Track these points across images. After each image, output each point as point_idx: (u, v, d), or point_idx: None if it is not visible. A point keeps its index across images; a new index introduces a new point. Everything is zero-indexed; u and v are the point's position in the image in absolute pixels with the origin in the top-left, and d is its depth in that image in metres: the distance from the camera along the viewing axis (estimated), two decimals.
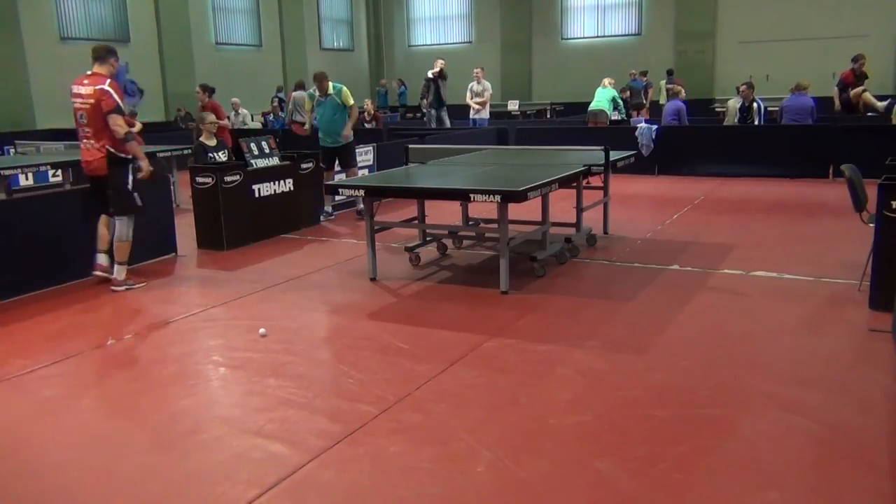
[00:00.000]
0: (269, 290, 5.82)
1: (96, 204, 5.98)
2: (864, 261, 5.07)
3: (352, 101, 8.58)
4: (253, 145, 7.82)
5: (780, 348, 4.26)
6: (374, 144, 10.24)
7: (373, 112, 15.40)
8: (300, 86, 15.98)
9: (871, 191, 4.95)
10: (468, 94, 13.78)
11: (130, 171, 5.82)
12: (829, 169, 10.25)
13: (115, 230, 5.87)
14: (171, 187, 8.12)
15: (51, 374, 4.22)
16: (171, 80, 18.75)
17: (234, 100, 16.64)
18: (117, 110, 5.58)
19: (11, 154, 11.75)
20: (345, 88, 8.55)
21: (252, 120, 17.35)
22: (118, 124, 5.58)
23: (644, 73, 17.93)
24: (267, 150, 7.93)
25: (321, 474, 3.04)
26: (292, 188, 8.06)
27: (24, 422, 3.66)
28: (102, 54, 5.76)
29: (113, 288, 5.85)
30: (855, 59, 12.34)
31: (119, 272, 5.88)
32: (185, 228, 7.44)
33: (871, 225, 4.92)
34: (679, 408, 3.52)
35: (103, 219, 5.99)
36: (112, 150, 5.70)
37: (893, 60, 18.77)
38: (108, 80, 5.64)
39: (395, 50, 26.95)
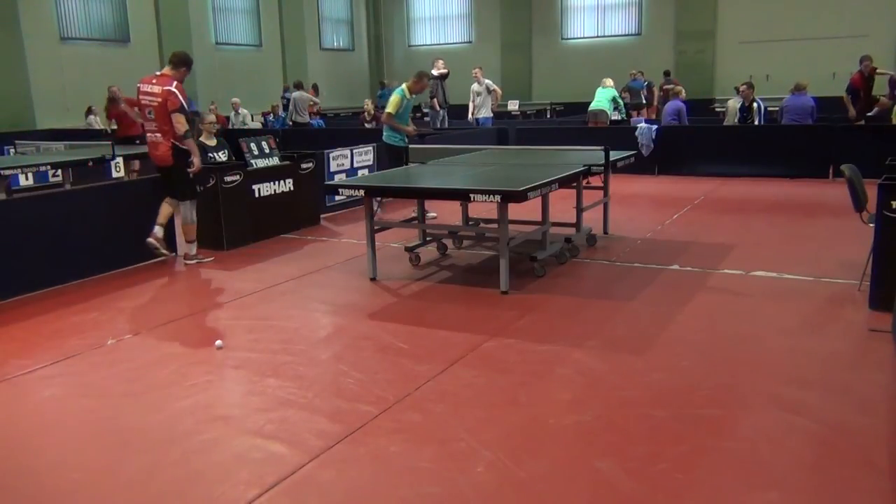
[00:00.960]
0: (269, 290, 5.82)
1: (161, 190, 6.70)
2: (864, 261, 5.07)
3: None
4: (253, 145, 7.82)
5: (780, 348, 4.26)
6: (374, 144, 10.24)
7: (373, 112, 15.40)
8: (298, 86, 15.99)
9: (871, 191, 4.95)
10: (472, 96, 13.69)
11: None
12: (829, 169, 10.25)
13: (182, 214, 6.67)
14: None
15: (51, 374, 4.23)
16: None
17: (234, 100, 16.65)
18: (181, 110, 6.26)
19: (11, 154, 11.74)
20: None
21: (252, 120, 17.37)
22: (180, 122, 6.26)
23: (640, 73, 17.89)
24: (267, 150, 7.93)
25: (321, 474, 3.04)
26: (292, 188, 8.06)
27: (24, 422, 3.66)
28: (175, 60, 6.47)
29: (185, 262, 6.76)
30: (861, 61, 12.25)
31: (190, 249, 6.78)
32: None
33: (871, 225, 4.92)
34: (679, 408, 3.52)
35: (168, 199, 6.66)
36: (176, 142, 6.37)
37: (893, 60, 18.75)
38: (175, 83, 6.30)
39: (395, 50, 26.93)
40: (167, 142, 6.37)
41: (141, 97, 6.43)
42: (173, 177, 6.55)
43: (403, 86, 8.28)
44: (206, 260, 6.81)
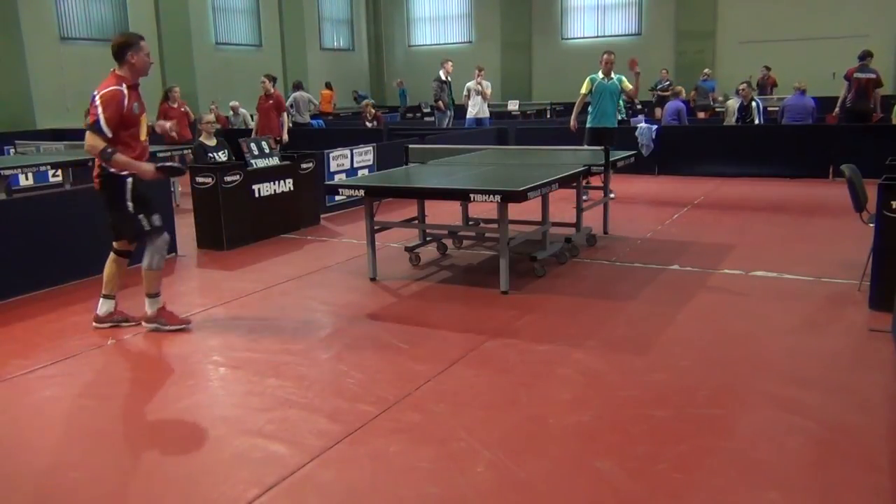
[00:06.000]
0: (269, 290, 5.82)
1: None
2: (864, 261, 5.08)
3: (630, 87, 9.13)
4: (253, 145, 7.82)
5: (780, 348, 4.26)
6: (374, 144, 10.25)
7: (374, 112, 15.39)
8: (298, 86, 15.98)
9: (871, 191, 4.95)
10: (465, 92, 13.54)
11: (129, 189, 4.63)
12: (829, 169, 10.25)
13: (143, 259, 4.79)
14: (171, 187, 8.12)
15: (51, 374, 4.22)
16: (172, 81, 18.73)
17: (234, 103, 16.64)
18: (94, 127, 4.44)
19: (11, 154, 11.74)
20: (623, 77, 9.10)
21: (252, 120, 17.33)
22: (89, 142, 4.45)
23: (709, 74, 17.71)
24: (267, 150, 7.93)
25: (321, 474, 3.04)
26: (292, 188, 8.06)
27: (24, 422, 3.66)
28: (114, 51, 4.64)
29: (144, 324, 4.89)
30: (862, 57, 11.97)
31: (150, 305, 4.83)
32: (185, 228, 7.44)
33: (871, 225, 4.92)
34: (679, 408, 3.52)
35: (110, 259, 4.92)
36: (107, 166, 4.59)
37: (893, 60, 18.76)
38: (109, 89, 4.50)
39: (395, 50, 26.94)
40: (96, 165, 4.67)
41: None
42: (108, 212, 4.79)
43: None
44: (169, 328, 4.82)
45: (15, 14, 15.60)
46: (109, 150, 4.47)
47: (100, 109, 4.44)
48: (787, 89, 14.39)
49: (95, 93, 4.51)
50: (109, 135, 4.47)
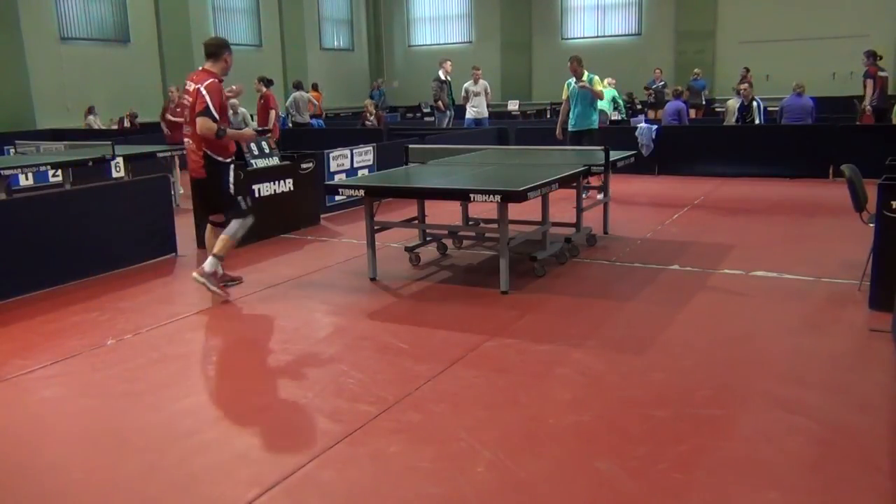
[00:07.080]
0: (269, 290, 5.82)
1: (200, 210, 5.86)
2: (864, 261, 5.08)
3: (598, 89, 9.28)
4: (253, 145, 7.81)
5: (780, 348, 4.26)
6: (374, 144, 10.25)
7: (374, 112, 15.37)
8: (298, 86, 15.98)
9: (871, 191, 4.95)
10: (463, 93, 13.54)
11: (231, 173, 5.56)
12: (829, 169, 10.25)
13: (228, 228, 5.57)
14: (171, 187, 8.12)
15: (51, 374, 4.22)
16: (172, 81, 18.76)
17: (233, 101, 16.65)
18: (206, 112, 5.20)
19: (11, 154, 11.73)
20: (595, 77, 9.28)
21: (252, 120, 17.34)
22: (203, 126, 5.21)
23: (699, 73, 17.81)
24: (267, 150, 7.93)
25: (321, 474, 3.04)
26: (292, 188, 8.06)
27: (24, 422, 3.66)
28: (211, 50, 5.50)
29: (193, 275, 5.48)
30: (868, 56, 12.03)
31: (212, 265, 5.48)
32: (185, 228, 7.44)
33: (871, 225, 4.92)
34: (679, 408, 3.52)
35: (209, 229, 5.80)
36: (209, 153, 5.41)
37: (893, 60, 18.76)
38: (210, 80, 5.30)
39: (395, 50, 26.94)
40: (199, 150, 5.40)
41: (183, 97, 5.56)
42: (207, 193, 5.62)
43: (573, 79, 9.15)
44: (214, 288, 5.47)
45: (15, 14, 15.60)
46: (222, 128, 5.30)
47: (208, 98, 5.22)
48: (780, 89, 14.40)
49: (199, 86, 5.29)
50: (218, 118, 5.26)
